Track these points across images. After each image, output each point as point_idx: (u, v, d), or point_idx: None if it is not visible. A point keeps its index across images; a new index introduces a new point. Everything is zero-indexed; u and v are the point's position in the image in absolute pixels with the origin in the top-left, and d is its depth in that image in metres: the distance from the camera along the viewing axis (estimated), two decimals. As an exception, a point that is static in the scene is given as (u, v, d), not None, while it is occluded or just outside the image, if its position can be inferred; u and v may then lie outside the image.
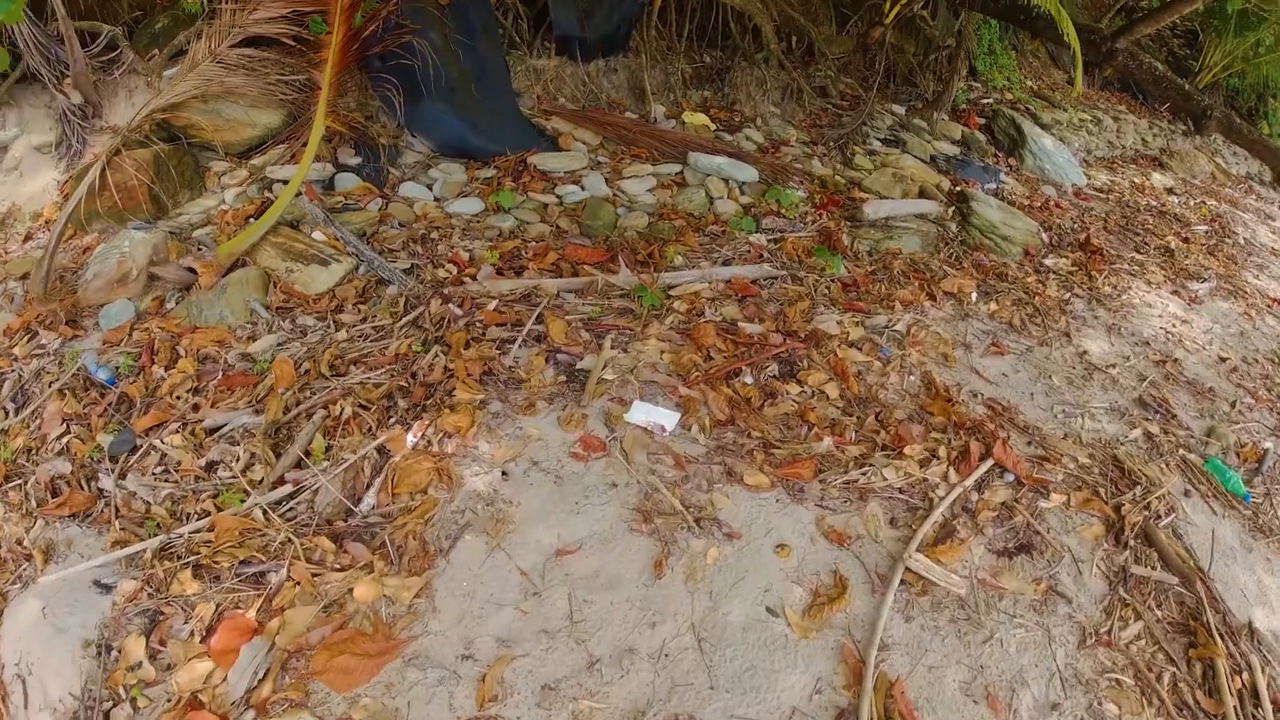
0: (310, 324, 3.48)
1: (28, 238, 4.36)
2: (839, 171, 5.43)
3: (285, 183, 4.30)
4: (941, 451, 3.03)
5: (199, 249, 3.99)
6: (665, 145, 5.08)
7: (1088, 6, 9.63)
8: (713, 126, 5.50)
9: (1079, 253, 5.45)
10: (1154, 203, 7.01)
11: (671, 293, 3.76)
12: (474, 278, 3.73)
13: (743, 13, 5.97)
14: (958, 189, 5.67)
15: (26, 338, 3.62)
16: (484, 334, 3.35)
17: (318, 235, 3.95)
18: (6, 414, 3.30)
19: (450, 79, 4.73)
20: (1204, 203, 7.42)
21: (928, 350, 3.80)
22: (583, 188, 4.55)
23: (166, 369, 3.34)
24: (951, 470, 2.99)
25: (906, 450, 2.98)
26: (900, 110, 6.78)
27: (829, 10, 6.73)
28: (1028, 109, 7.66)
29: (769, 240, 4.35)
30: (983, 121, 7.21)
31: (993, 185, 6.16)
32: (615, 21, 5.50)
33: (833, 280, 4.14)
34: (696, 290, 3.79)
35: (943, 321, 4.13)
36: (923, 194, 5.34)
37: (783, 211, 4.63)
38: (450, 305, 3.47)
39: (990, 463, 3.07)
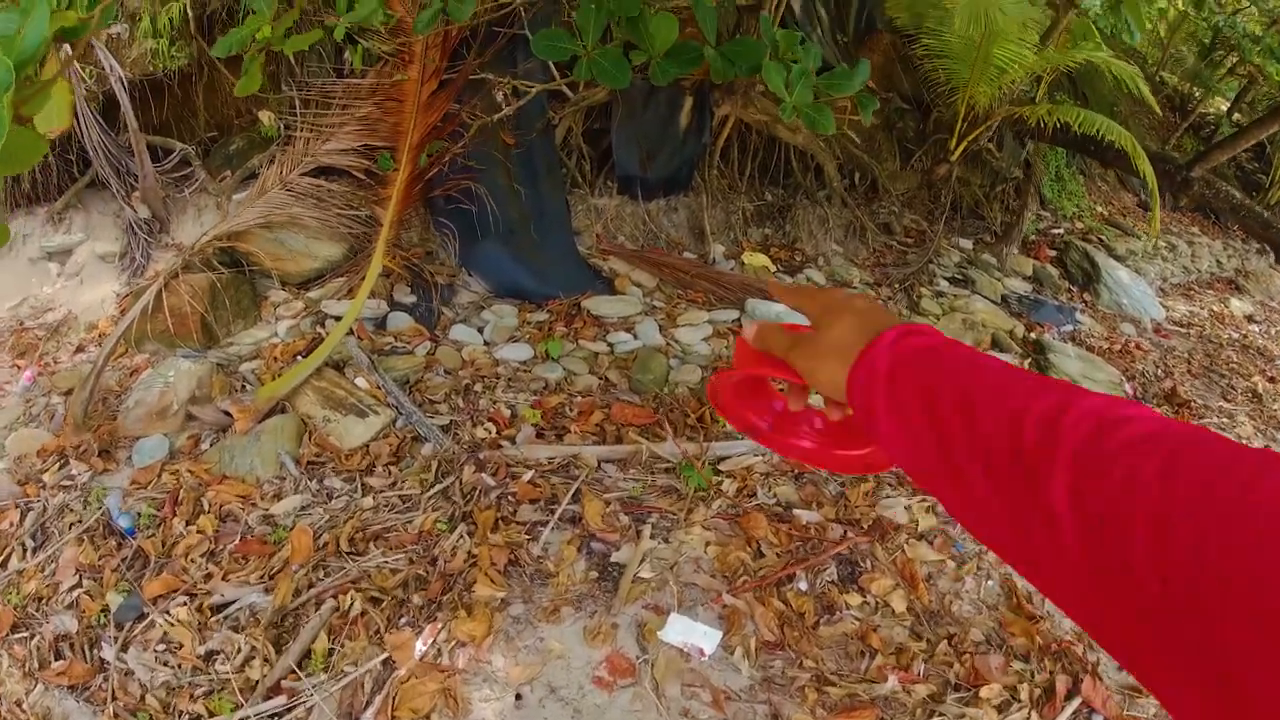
0: (337, 487, 3.18)
1: (79, 349, 4.24)
2: (904, 318, 5.01)
3: (339, 319, 4.10)
4: (1023, 691, 2.51)
5: (242, 387, 3.78)
6: (723, 289, 4.77)
7: (1155, 127, 9.20)
8: (773, 267, 5.18)
9: (1165, 405, 4.90)
10: (1236, 334, 6.45)
11: (722, 467, 3.36)
12: (513, 440, 3.41)
13: (805, 151, 5.72)
14: (1032, 335, 5.20)
15: (58, 464, 3.41)
16: (515, 512, 2.99)
17: (360, 382, 3.70)
18: (25, 552, 3.06)
19: (510, 221, 4.54)
20: (1288, 333, 6.80)
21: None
22: (635, 336, 4.24)
23: (187, 524, 3.07)
24: (1034, 716, 2.46)
25: (983, 691, 2.47)
26: (967, 245, 6.37)
27: (892, 146, 6.45)
28: (1100, 239, 7.17)
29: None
30: (1054, 254, 6.75)
31: (1069, 327, 5.66)
32: (678, 162, 5.29)
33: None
34: (749, 465, 3.38)
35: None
36: (995, 345, 4.89)
37: (844, 367, 4.22)
38: (483, 475, 3.13)
39: (1078, 702, 2.54)
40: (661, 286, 4.80)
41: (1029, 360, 4.72)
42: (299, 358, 3.91)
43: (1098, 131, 5.14)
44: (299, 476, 3.24)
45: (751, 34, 4.76)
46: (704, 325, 4.37)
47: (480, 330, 4.21)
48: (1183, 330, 6.28)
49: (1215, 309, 6.94)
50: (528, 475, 3.17)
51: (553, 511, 3.00)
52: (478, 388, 3.73)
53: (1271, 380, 5.67)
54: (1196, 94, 9.04)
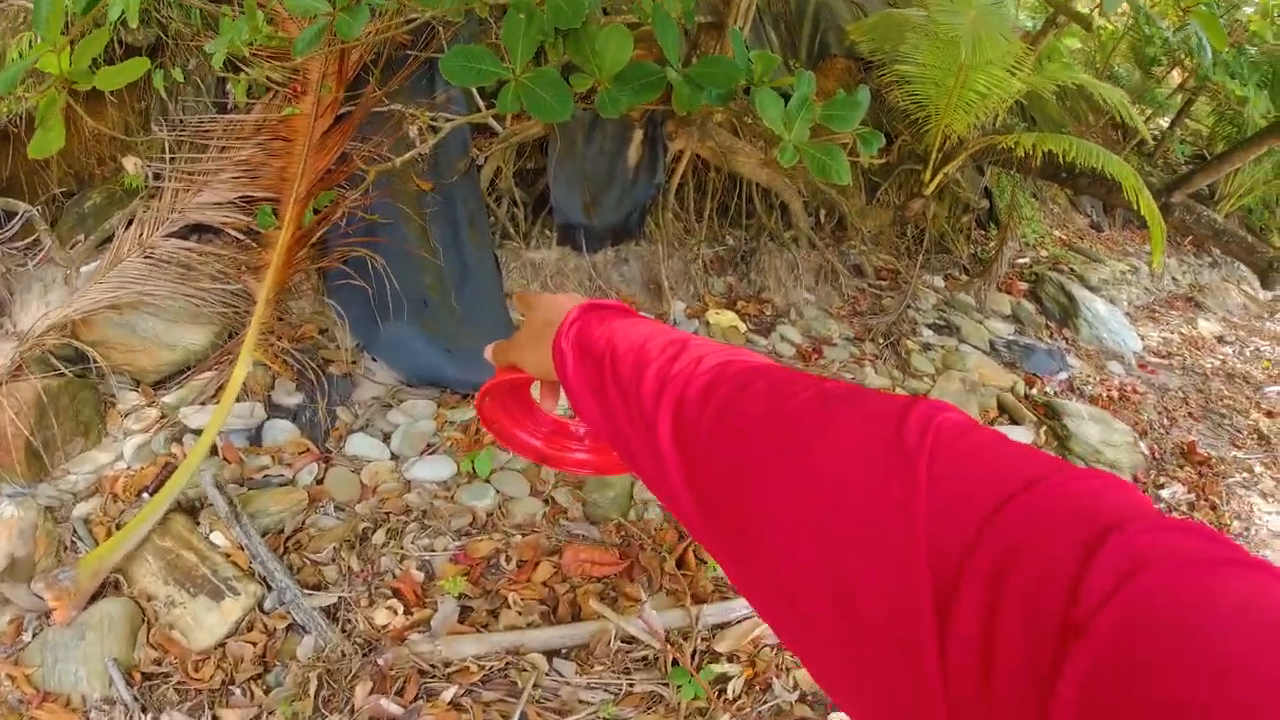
0: (169, 728, 1.99)
1: None
2: (897, 380, 4.04)
3: (199, 433, 2.88)
4: None
5: (73, 544, 2.54)
6: (690, 360, 3.70)
7: (1108, 146, 8.54)
8: (742, 327, 4.14)
9: (1186, 467, 4.07)
10: (1215, 361, 5.82)
11: (720, 646, 2.29)
12: (428, 625, 2.27)
13: (768, 189, 4.70)
14: (1033, 393, 4.29)
15: None
16: (430, 771, 1.86)
17: (218, 538, 2.51)
18: None
19: (422, 290, 3.38)
20: (1259, 351, 6.20)
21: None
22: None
23: None
24: None
25: None
26: (939, 282, 5.47)
27: (857, 179, 5.49)
28: (1071, 269, 6.37)
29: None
30: (1025, 287, 5.90)
31: (1063, 374, 4.79)
32: (627, 207, 4.20)
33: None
34: (754, 638, 2.32)
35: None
36: (1004, 411, 3.95)
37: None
38: (383, 701, 1.98)
39: None
40: (616, 359, 3.70)
41: (1044, 428, 3.80)
42: (145, 495, 2.69)
43: (1095, 165, 4.27)
44: (130, 704, 2.04)
45: (714, 54, 3.70)
46: (672, 413, 3.30)
47: (386, 439, 3.03)
48: (1165, 362, 5.55)
49: (1185, 332, 6.28)
50: (448, 693, 2.04)
51: (486, 762, 1.88)
52: (379, 535, 2.56)
53: (1269, 414, 4.97)
54: (1138, 111, 8.40)
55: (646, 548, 2.65)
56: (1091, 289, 6.10)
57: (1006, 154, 5.00)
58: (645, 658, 2.23)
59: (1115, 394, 4.70)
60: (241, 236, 3.31)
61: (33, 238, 3.39)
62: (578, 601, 2.40)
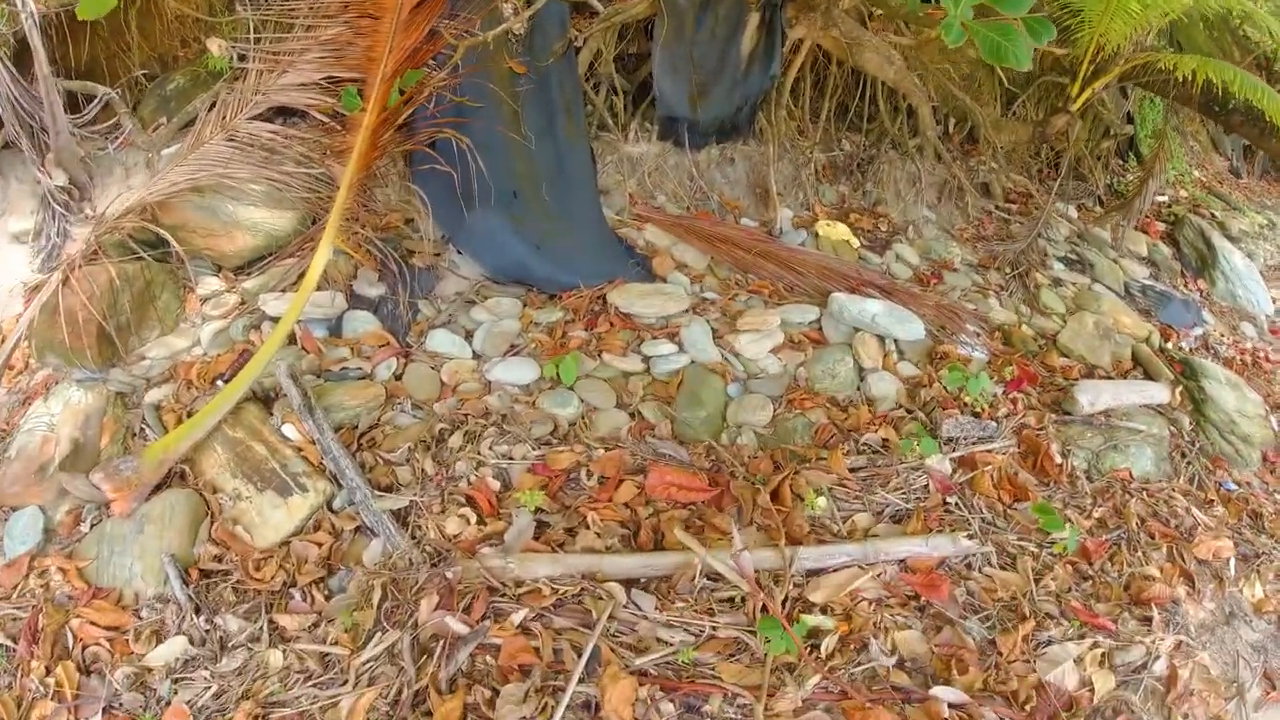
0: (234, 630, 1.87)
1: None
2: (1024, 317, 3.52)
3: (277, 322, 2.70)
4: None
5: (141, 431, 2.43)
6: (795, 274, 3.29)
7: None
8: (855, 242, 3.66)
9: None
10: None
11: (814, 595, 1.99)
12: (500, 538, 2.05)
13: (896, 90, 4.09)
14: (1168, 346, 3.69)
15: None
16: (493, 700, 1.66)
17: (289, 431, 2.34)
18: None
19: (514, 180, 3.05)
20: None
21: (1196, 708, 1.98)
22: (680, 346, 2.81)
23: (47, 671, 1.80)
24: None
25: None
26: (1072, 212, 4.76)
27: (994, 87, 4.76)
28: (1212, 214, 5.48)
29: (952, 464, 2.52)
30: (1163, 228, 5.11)
31: (1198, 330, 4.13)
32: (737, 100, 3.71)
33: (1059, 558, 2.30)
34: (852, 590, 2.01)
35: (1206, 633, 2.29)
36: (1138, 362, 3.40)
37: (966, 399, 2.78)
38: (449, 619, 1.79)
39: None
40: (714, 269, 3.33)
41: (1179, 389, 3.24)
42: (219, 382, 2.55)
43: (1256, 102, 3.50)
44: (184, 604, 1.93)
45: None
46: (773, 330, 2.92)
47: (468, 337, 2.79)
48: (1296, 330, 4.74)
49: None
50: (518, 616, 1.83)
51: (555, 695, 1.66)
52: (456, 438, 2.34)
53: None
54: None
55: (738, 475, 2.35)
56: (1232, 239, 5.23)
57: (1161, 78, 4.19)
58: (731, 599, 1.96)
59: (1249, 359, 4.02)
60: (325, 119, 3.04)
61: (113, 121, 3.21)
62: (661, 528, 2.13)
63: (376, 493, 2.17)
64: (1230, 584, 2.54)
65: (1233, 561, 2.60)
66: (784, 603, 1.95)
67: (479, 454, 2.30)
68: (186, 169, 2.95)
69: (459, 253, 3.03)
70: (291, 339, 2.70)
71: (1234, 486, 2.99)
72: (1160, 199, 5.53)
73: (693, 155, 3.73)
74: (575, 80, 3.34)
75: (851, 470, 2.39)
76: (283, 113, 3.12)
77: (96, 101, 3.24)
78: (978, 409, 2.77)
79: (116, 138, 3.22)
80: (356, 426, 2.39)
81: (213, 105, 3.04)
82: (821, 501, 2.24)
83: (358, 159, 2.86)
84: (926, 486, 2.39)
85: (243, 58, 3.09)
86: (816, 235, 3.64)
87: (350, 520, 2.11)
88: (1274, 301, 4.99)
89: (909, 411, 2.71)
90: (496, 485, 2.21)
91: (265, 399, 2.50)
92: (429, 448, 2.32)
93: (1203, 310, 4.34)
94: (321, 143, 3.06)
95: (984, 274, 3.78)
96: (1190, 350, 3.86)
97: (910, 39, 3.79)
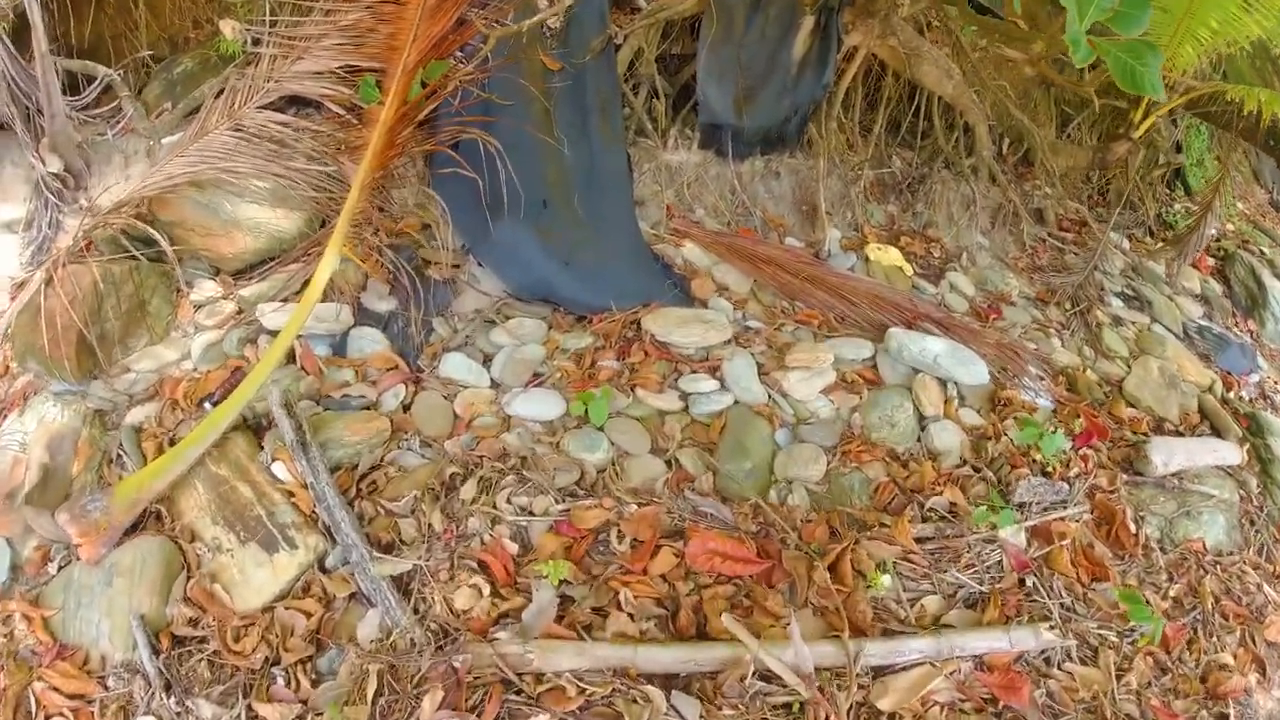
0: (209, 717, 1.56)
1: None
2: (1087, 360, 3.19)
3: (275, 336, 2.39)
4: None
5: (115, 459, 2.12)
6: (847, 303, 2.95)
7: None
8: (909, 270, 3.33)
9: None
10: None
11: (881, 699, 1.67)
12: (519, 616, 1.73)
13: (952, 106, 3.75)
14: (1231, 396, 3.36)
15: None
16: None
17: (279, 469, 2.02)
18: None
19: (544, 186, 2.72)
20: None
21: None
22: (722, 383, 2.48)
23: None
24: None
25: None
26: (1123, 243, 4.42)
27: (1049, 108, 4.42)
28: (1261, 251, 5.12)
29: (1025, 534, 2.19)
30: (1212, 263, 4.75)
31: (1255, 376, 3.80)
32: (785, 109, 3.37)
33: (1139, 648, 1.99)
34: (924, 694, 1.69)
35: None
36: (1205, 415, 3.07)
37: (1036, 456, 2.45)
38: (454, 723, 1.47)
39: None
40: (757, 293, 2.99)
41: (1247, 446, 2.91)
42: (207, 405, 2.23)
43: None
44: (153, 678, 1.61)
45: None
46: (825, 368, 2.59)
47: (486, 362, 2.46)
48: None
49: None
50: (538, 721, 1.51)
51: (579, 835, 1.35)
52: (469, 487, 2.02)
53: None
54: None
55: (790, 544, 2.02)
56: None
57: (1223, 108, 3.85)
58: (788, 706, 1.64)
59: None
60: (341, 111, 2.71)
61: (114, 104, 2.89)
62: (703, 608, 1.81)
63: (375, 554, 1.84)
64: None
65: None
66: (849, 711, 1.63)
67: (495, 507, 1.98)
68: (187, 160, 2.63)
69: (480, 265, 2.70)
70: (290, 357, 2.38)
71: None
72: (1209, 232, 5.18)
73: (735, 166, 3.40)
74: (613, 80, 3.00)
75: (918, 541, 2.06)
76: (295, 103, 2.80)
77: (97, 83, 2.93)
78: (1049, 468, 2.44)
79: (117, 123, 2.91)
80: (356, 466, 2.07)
81: (221, 91, 2.73)
82: (886, 580, 1.92)
83: (372, 157, 2.53)
84: (1001, 563, 2.06)
85: (256, 42, 2.77)
86: (867, 260, 3.31)
87: (344, 584, 1.80)
88: (1320, 346, 4.65)
89: (975, 470, 2.38)
90: (514, 548, 1.89)
91: (256, 427, 2.18)
92: (438, 497, 1.99)
93: (1257, 354, 4.01)
94: (336, 137, 2.73)
95: (1043, 309, 3.44)
96: (1250, 400, 3.53)
97: (976, 52, 3.45)
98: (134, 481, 1.90)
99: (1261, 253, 5.07)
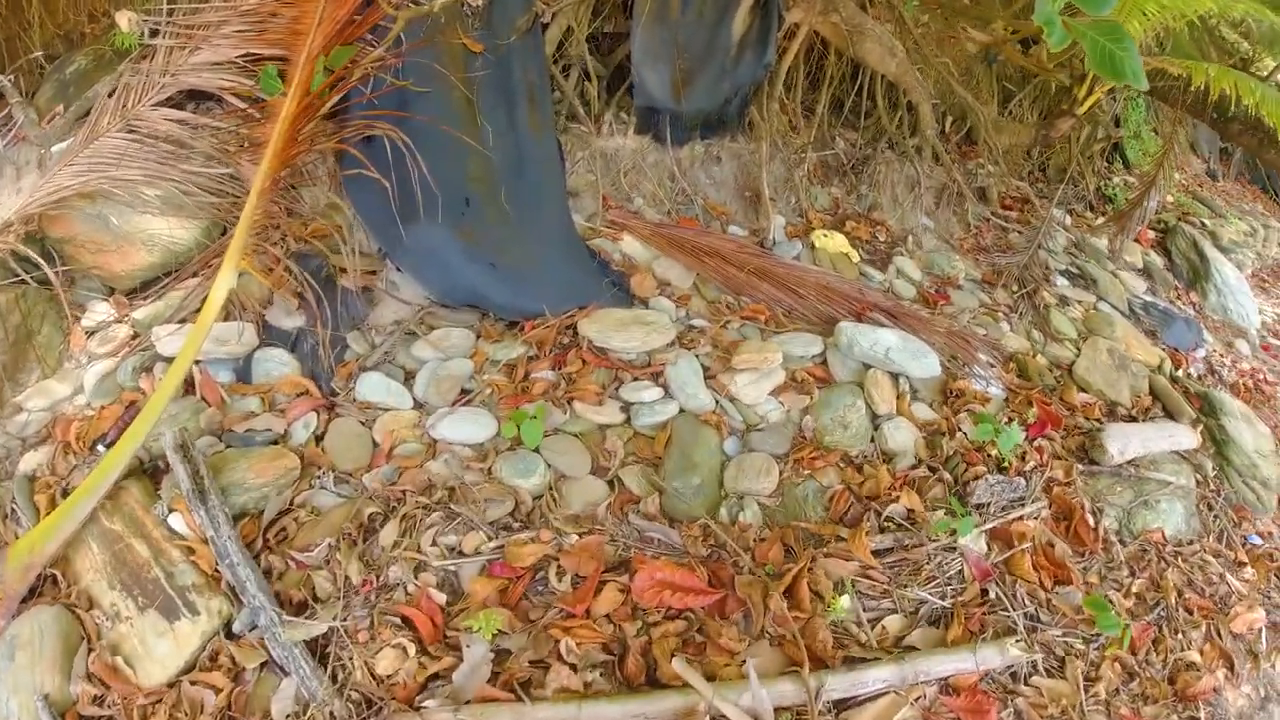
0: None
1: None
2: (1036, 344, 3.11)
3: (171, 363, 2.12)
4: None
5: (9, 514, 1.84)
6: (794, 296, 2.80)
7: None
8: (855, 256, 3.19)
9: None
10: None
11: (848, 738, 1.54)
12: (449, 677, 1.54)
13: (895, 85, 3.60)
14: (1181, 374, 3.34)
15: None
16: None
17: (177, 522, 1.77)
18: None
19: (465, 182, 2.47)
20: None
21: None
22: (666, 390, 2.30)
23: None
24: None
25: None
26: (1065, 218, 4.38)
27: (991, 85, 4.31)
28: (1202, 223, 5.16)
29: (985, 537, 2.09)
30: (1153, 236, 4.77)
31: (1201, 351, 3.81)
32: (725, 90, 3.17)
33: (1105, 654, 1.91)
34: (896, 730, 1.57)
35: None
36: (1157, 396, 3.04)
37: (993, 450, 2.35)
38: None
39: None
40: (701, 288, 2.82)
41: (1201, 428, 2.88)
42: (101, 447, 1.96)
43: (1262, 113, 3.14)
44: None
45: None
46: (774, 369, 2.43)
47: (408, 380, 2.23)
48: (1281, 343, 4.48)
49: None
50: (469, 806, 1.32)
51: None
52: (390, 530, 1.80)
53: None
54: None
55: (743, 566, 1.87)
56: (1222, 249, 4.93)
57: (1168, 84, 3.82)
58: (749, 756, 1.49)
59: (1250, 382, 3.72)
60: (242, 105, 2.42)
61: (4, 111, 2.57)
62: (653, 650, 1.65)
63: (285, 617, 1.62)
64: (1264, 659, 2.22)
65: (1264, 633, 2.28)
66: (812, 758, 1.49)
67: (419, 551, 1.77)
68: (76, 169, 2.32)
69: (399, 271, 2.45)
70: (189, 385, 2.11)
71: (1258, 540, 2.69)
72: (1152, 206, 5.21)
73: (675, 152, 3.19)
74: (541, 62, 2.75)
75: (877, 555, 1.94)
76: (195, 98, 2.49)
77: None
78: (1005, 464, 2.34)
79: (8, 131, 2.57)
80: (264, 511, 1.83)
81: (114, 90, 2.40)
82: (845, 602, 1.78)
83: (273, 156, 2.24)
84: (962, 573, 1.95)
85: (155, 33, 2.45)
86: (813, 247, 3.15)
87: (254, 652, 1.57)
88: (1260, 313, 4.72)
89: (932, 470, 2.27)
90: (441, 598, 1.69)
91: (154, 471, 1.92)
92: (355, 543, 1.77)
93: (1201, 329, 4.02)
94: (239, 134, 2.43)
95: (990, 292, 3.36)
96: (1199, 378, 3.53)
97: (919, 28, 3.30)
98: (24, 545, 1.65)
99: (1202, 224, 5.11)
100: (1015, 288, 3.40)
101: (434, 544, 1.79)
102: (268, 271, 2.22)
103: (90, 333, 2.27)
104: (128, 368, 2.13)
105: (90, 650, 1.62)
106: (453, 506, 1.88)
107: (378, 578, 1.71)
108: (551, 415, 2.15)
